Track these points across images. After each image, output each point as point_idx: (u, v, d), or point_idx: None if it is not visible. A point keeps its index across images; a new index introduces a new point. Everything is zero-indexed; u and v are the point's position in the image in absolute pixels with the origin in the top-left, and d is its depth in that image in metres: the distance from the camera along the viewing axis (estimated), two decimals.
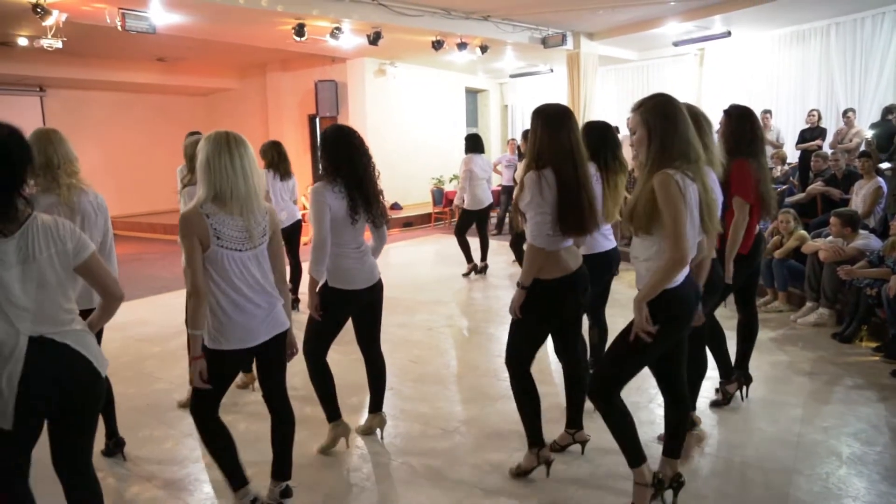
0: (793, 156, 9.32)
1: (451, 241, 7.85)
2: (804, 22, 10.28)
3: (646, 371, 2.61)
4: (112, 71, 12.43)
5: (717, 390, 3.66)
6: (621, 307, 4.51)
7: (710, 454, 3.13)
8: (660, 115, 2.31)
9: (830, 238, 5.31)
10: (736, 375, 3.61)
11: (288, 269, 5.54)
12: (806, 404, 3.68)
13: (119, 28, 7.38)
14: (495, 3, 9.15)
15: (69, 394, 1.99)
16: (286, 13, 8.23)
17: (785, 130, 9.91)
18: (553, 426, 3.19)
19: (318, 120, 13.26)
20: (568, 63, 11.64)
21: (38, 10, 6.93)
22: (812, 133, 8.91)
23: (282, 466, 2.67)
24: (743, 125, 3.27)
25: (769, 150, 8.24)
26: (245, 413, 3.72)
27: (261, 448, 2.93)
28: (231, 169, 2.30)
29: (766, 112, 9.35)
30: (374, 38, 9.26)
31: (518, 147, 9.40)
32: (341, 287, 3.01)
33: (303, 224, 6.09)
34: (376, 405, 3.36)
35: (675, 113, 2.31)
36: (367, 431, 3.39)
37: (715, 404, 3.60)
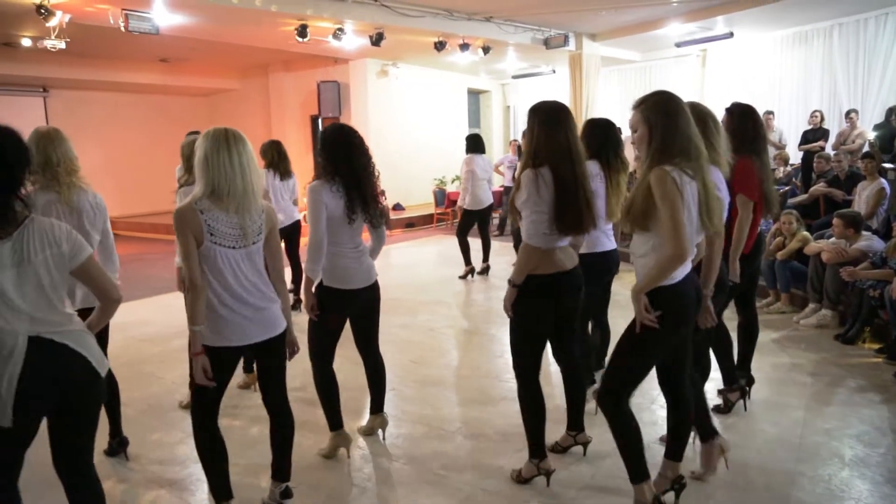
0: (795, 157, 9.31)
1: (453, 242, 7.85)
2: (807, 23, 10.26)
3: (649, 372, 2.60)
4: (115, 71, 12.45)
5: (719, 392, 3.65)
6: (622, 308, 4.49)
7: None
8: (661, 112, 2.29)
9: (833, 239, 5.29)
10: (738, 384, 3.56)
11: (288, 269, 5.57)
12: (808, 406, 3.67)
13: (122, 29, 7.39)
14: (497, 4, 9.15)
15: (67, 393, 1.99)
16: (289, 14, 8.25)
17: (787, 131, 9.89)
18: (554, 427, 3.18)
19: (320, 120, 13.26)
20: (570, 64, 11.64)
21: (42, 10, 6.95)
22: (815, 134, 8.90)
23: (281, 467, 2.66)
24: (745, 123, 3.24)
25: (772, 152, 8.22)
26: (246, 416, 3.72)
27: (261, 449, 2.94)
28: (229, 165, 2.29)
29: (769, 113, 9.33)
30: (377, 39, 9.27)
31: (519, 147, 9.40)
32: (338, 286, 2.99)
33: (302, 225, 6.07)
34: (377, 406, 3.35)
35: (676, 110, 2.29)
36: (368, 432, 3.39)
37: (716, 409, 3.56)
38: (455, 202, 10.20)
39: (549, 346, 3.03)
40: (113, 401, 3.18)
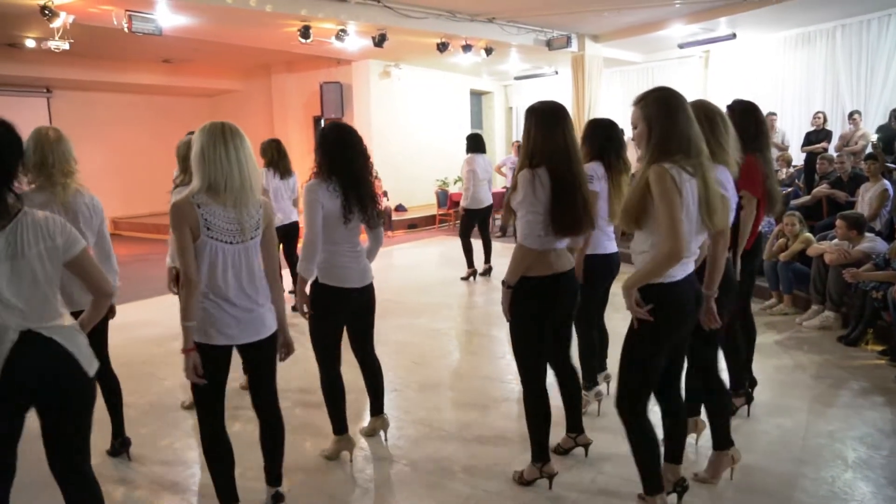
0: (798, 158, 9.29)
1: (456, 243, 7.86)
2: (810, 24, 10.25)
3: None
4: (118, 72, 12.48)
5: None
6: (623, 310, 4.49)
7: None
8: (660, 108, 2.27)
9: (836, 241, 5.28)
10: (744, 390, 3.54)
11: (288, 272, 5.55)
12: (811, 408, 3.66)
13: (125, 30, 7.41)
14: (500, 5, 9.15)
15: (51, 390, 1.96)
16: (292, 15, 8.26)
17: (790, 133, 9.87)
18: (553, 429, 3.17)
19: (323, 121, 13.28)
20: (573, 65, 11.64)
21: (46, 11, 6.97)
22: (817, 135, 8.88)
23: (272, 471, 2.64)
24: (747, 120, 3.20)
25: (774, 153, 8.21)
26: (246, 417, 3.70)
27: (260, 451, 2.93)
28: (226, 160, 2.26)
29: (772, 114, 9.30)
30: (380, 40, 9.28)
31: (520, 148, 9.39)
32: (334, 284, 2.96)
33: (300, 226, 6.04)
34: (377, 408, 3.34)
35: (676, 107, 2.26)
36: (370, 433, 3.39)
37: None
38: (457, 203, 10.21)
39: None
40: (114, 400, 3.18)
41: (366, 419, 3.47)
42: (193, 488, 3.00)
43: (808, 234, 5.64)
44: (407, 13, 8.82)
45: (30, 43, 9.36)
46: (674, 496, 2.61)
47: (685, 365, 2.73)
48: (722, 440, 2.85)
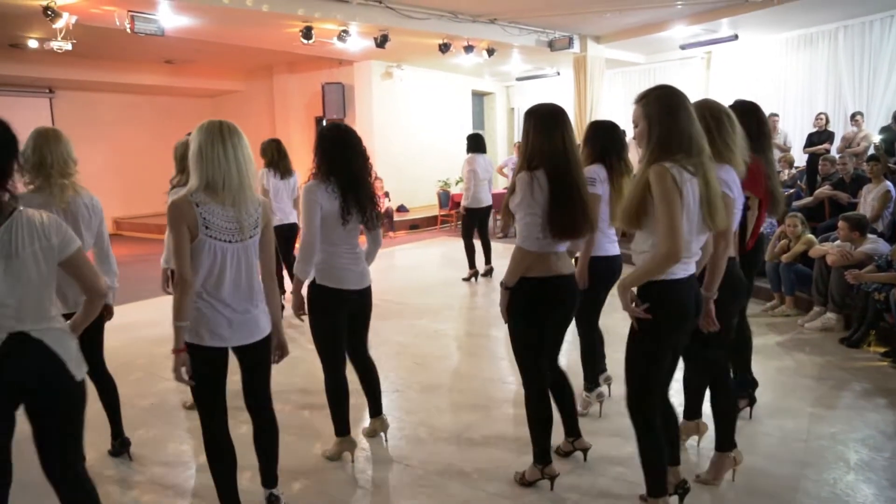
0: (800, 159, 9.28)
1: (457, 244, 7.86)
2: (812, 25, 10.24)
3: None
4: (120, 73, 12.50)
5: None
6: (622, 310, 4.48)
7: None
8: (662, 106, 2.26)
9: (838, 242, 5.28)
10: (748, 393, 3.52)
11: (286, 273, 5.54)
12: (813, 410, 3.66)
13: (128, 30, 7.42)
14: (502, 6, 9.15)
15: (37, 391, 1.95)
16: (294, 16, 8.26)
17: (792, 134, 9.87)
18: (554, 431, 3.16)
19: (324, 122, 13.29)
20: (574, 66, 11.64)
21: (49, 12, 6.98)
22: (820, 137, 8.87)
23: (267, 473, 2.63)
24: (749, 121, 3.16)
25: (776, 154, 8.20)
26: (246, 418, 3.71)
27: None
28: (224, 158, 2.24)
29: (774, 115, 9.30)
30: (381, 41, 9.28)
31: None
32: (330, 285, 2.95)
33: (299, 227, 6.00)
34: (376, 409, 3.34)
35: (677, 105, 2.25)
36: (371, 434, 3.39)
37: None
38: (459, 204, 10.23)
39: None
40: (110, 400, 3.16)
41: (367, 420, 3.47)
42: (194, 490, 3.00)
43: (810, 236, 5.63)
44: (409, 14, 8.82)
45: (32, 43, 9.38)
46: (675, 498, 2.60)
47: (683, 366, 2.72)
48: (725, 442, 2.85)
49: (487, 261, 7.56)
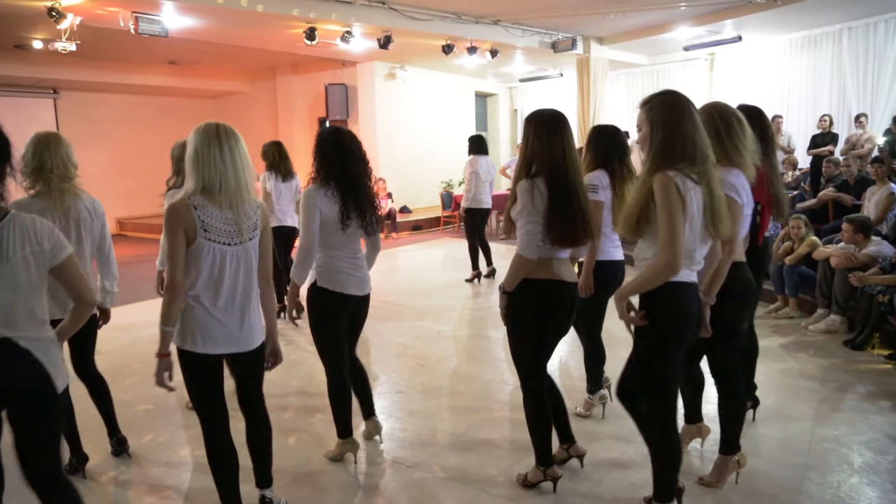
0: (804, 161, 9.27)
1: (460, 245, 7.87)
2: (816, 26, 10.22)
3: None
4: (124, 73, 12.54)
5: None
6: None
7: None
8: (666, 112, 2.24)
9: (842, 244, 5.26)
10: (751, 396, 3.50)
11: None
12: (817, 412, 3.65)
13: (132, 31, 7.45)
14: (505, 7, 9.16)
15: (19, 398, 1.93)
16: (298, 17, 8.28)
17: (796, 136, 9.85)
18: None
19: (328, 123, 13.30)
20: (578, 67, 11.64)
21: (54, 13, 7.01)
22: (823, 138, 8.85)
23: (261, 473, 2.62)
24: (752, 125, 3.20)
25: (780, 156, 8.19)
26: (237, 417, 3.70)
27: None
28: (220, 160, 2.22)
29: (778, 117, 9.29)
30: (385, 42, 9.30)
31: None
32: (332, 289, 2.94)
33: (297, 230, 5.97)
34: (368, 411, 3.33)
35: (682, 111, 2.23)
36: (368, 437, 3.38)
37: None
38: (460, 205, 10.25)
39: None
40: (103, 400, 3.15)
41: (361, 423, 3.45)
42: (195, 490, 3.00)
43: (814, 238, 5.62)
44: (412, 15, 8.83)
45: (37, 44, 9.42)
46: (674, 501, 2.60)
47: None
48: (730, 445, 2.84)
49: (489, 262, 7.57)
